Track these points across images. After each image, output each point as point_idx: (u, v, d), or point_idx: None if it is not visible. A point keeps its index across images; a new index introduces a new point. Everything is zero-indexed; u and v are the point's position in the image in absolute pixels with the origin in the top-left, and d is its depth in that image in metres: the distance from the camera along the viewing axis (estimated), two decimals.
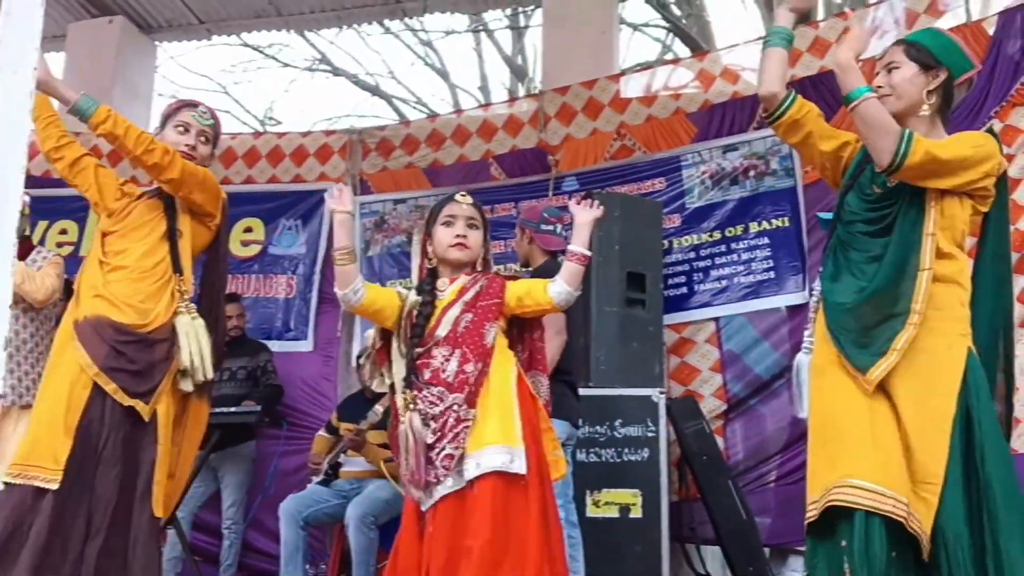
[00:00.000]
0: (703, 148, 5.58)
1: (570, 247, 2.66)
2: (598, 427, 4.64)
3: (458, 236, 2.63)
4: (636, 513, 4.50)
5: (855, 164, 2.52)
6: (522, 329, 2.73)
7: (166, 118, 3.23)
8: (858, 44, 2.42)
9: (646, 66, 6.49)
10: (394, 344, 2.63)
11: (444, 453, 2.45)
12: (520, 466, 2.43)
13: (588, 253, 2.64)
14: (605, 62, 6.17)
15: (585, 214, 2.68)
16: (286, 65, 14.71)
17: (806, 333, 2.49)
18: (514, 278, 2.75)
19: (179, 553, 5.18)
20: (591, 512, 4.51)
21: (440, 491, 2.45)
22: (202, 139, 3.21)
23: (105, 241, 3.10)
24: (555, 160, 5.84)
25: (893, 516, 2.11)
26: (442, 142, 6.15)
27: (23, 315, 3.96)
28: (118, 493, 2.82)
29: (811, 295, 2.54)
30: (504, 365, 2.59)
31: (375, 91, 14.97)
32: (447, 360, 2.53)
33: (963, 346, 2.27)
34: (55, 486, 2.72)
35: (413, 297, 2.65)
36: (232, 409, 5.08)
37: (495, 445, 2.44)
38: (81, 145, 3.24)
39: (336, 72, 15.08)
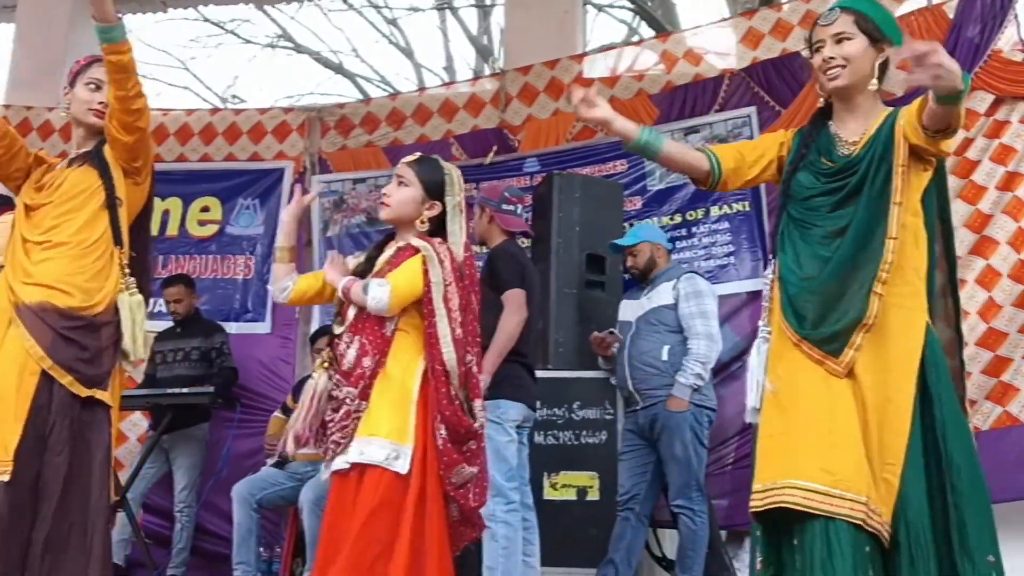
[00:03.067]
0: (665, 130, 5.50)
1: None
2: (556, 409, 4.62)
3: (384, 194, 2.65)
4: (593, 495, 4.49)
5: (794, 149, 2.46)
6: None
7: (75, 75, 2.92)
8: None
9: (610, 47, 6.39)
10: None
11: (332, 438, 2.49)
12: (403, 465, 2.41)
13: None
14: (568, 42, 6.12)
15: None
16: (247, 41, 14.52)
17: (761, 322, 2.43)
18: (416, 249, 2.64)
19: (129, 535, 5.10)
20: (548, 495, 4.49)
21: (333, 465, 2.48)
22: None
23: (31, 216, 2.82)
24: (517, 141, 5.79)
25: (850, 520, 2.09)
26: (403, 121, 6.06)
27: None
28: (65, 480, 2.70)
29: (766, 281, 2.45)
30: (406, 356, 2.53)
31: (338, 69, 14.79)
32: (348, 347, 2.52)
33: (921, 321, 2.24)
34: (7, 478, 2.56)
35: (353, 261, 2.72)
36: (184, 390, 4.99)
37: (382, 438, 2.43)
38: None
39: (299, 49, 14.88)
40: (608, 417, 4.58)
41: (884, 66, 2.35)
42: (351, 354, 2.48)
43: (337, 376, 2.52)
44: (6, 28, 7.25)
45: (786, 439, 2.21)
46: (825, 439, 2.16)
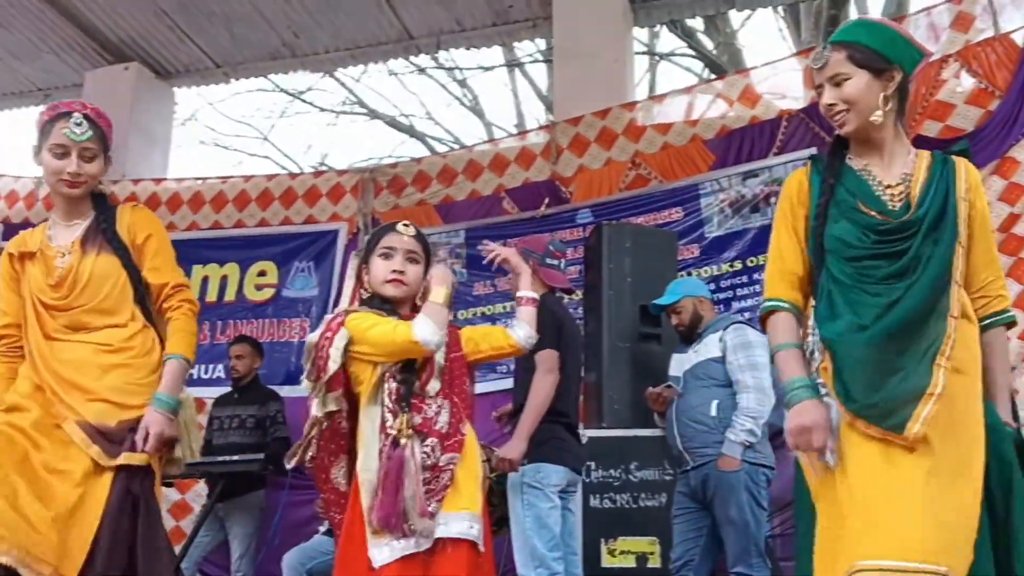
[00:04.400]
0: (722, 176, 5.37)
1: (522, 293, 2.58)
2: (612, 470, 4.37)
3: (395, 272, 2.39)
4: (655, 563, 4.21)
5: (815, 186, 2.18)
6: None
7: (40, 134, 2.58)
8: None
9: (662, 95, 6.26)
10: (371, 375, 2.30)
11: (428, 511, 2.21)
12: (481, 536, 2.24)
13: (536, 296, 2.60)
14: (619, 91, 6.00)
15: (512, 256, 2.67)
16: (321, 109, 14.84)
17: (819, 381, 2.12)
18: (458, 327, 2.56)
19: None
20: (606, 562, 4.23)
21: (399, 548, 2.19)
22: (86, 156, 2.54)
23: (55, 316, 2.55)
24: (569, 192, 5.66)
25: None
26: (454, 177, 6.01)
27: None
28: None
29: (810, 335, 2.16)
30: (469, 426, 2.40)
31: (410, 132, 14.99)
32: (439, 411, 2.30)
33: (978, 385, 2.02)
34: None
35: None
36: (235, 458, 4.93)
37: (466, 511, 2.24)
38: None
39: (372, 114, 15.14)
40: (668, 478, 4.32)
41: (902, 91, 2.12)
42: (443, 418, 2.30)
43: (427, 442, 2.26)
44: None
45: (857, 520, 1.94)
46: (891, 511, 1.90)
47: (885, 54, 2.08)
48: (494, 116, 17.34)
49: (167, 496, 5.76)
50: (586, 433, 4.37)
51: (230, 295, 6.26)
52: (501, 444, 4.32)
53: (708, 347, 4.05)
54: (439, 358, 2.33)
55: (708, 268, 5.22)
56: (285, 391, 5.67)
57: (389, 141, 27.92)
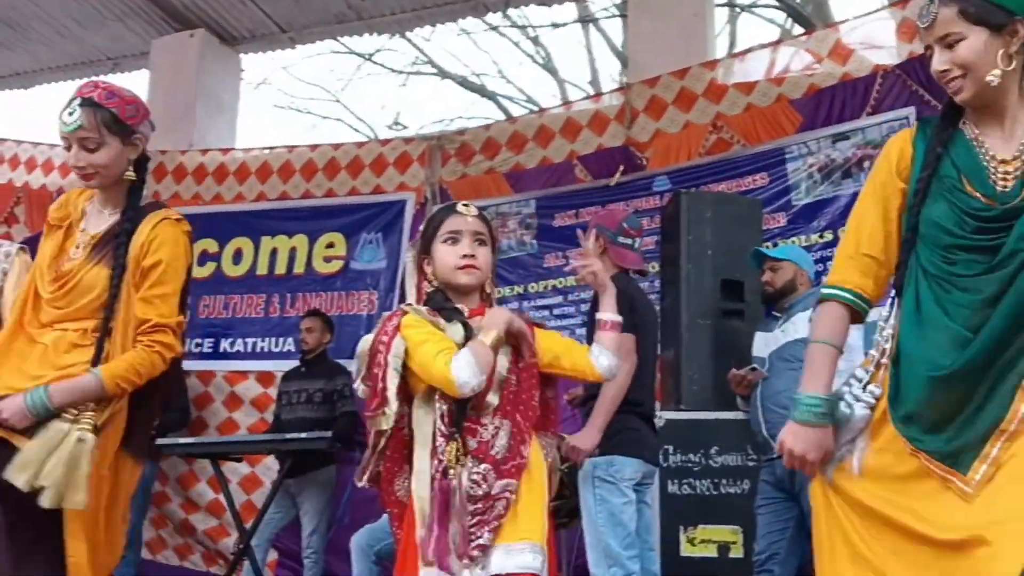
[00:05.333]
0: (810, 138, 5.02)
1: (604, 316, 2.29)
2: (691, 455, 4.16)
3: (466, 256, 2.15)
4: (737, 552, 4.00)
5: (919, 157, 1.86)
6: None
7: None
8: None
9: (744, 51, 5.89)
10: (424, 385, 2.08)
11: (478, 542, 1.99)
12: (544, 567, 2.01)
13: (620, 320, 2.32)
14: (698, 48, 5.65)
15: (600, 272, 2.36)
16: (392, 71, 14.69)
17: (858, 379, 1.85)
18: (540, 325, 2.29)
19: None
20: (686, 551, 4.04)
21: None
22: (87, 146, 2.32)
23: (40, 308, 2.37)
24: (645, 158, 5.37)
25: None
26: (524, 144, 5.77)
27: None
28: None
29: (883, 327, 1.86)
30: (536, 441, 2.16)
31: (481, 91, 14.75)
32: (497, 433, 2.06)
33: None
34: None
35: (455, 338, 2.10)
36: (302, 435, 4.85)
37: (528, 541, 2.02)
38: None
39: (443, 74, 14.94)
40: (751, 464, 4.09)
41: None
42: (502, 441, 2.06)
43: (477, 471, 2.02)
44: (141, 75, 7.46)
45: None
46: None
47: (1005, 5, 1.75)
48: (567, 73, 16.89)
49: (237, 470, 5.75)
50: (663, 415, 4.16)
51: (299, 267, 6.16)
52: (572, 429, 4.15)
53: (796, 326, 3.76)
54: (501, 367, 2.09)
55: (796, 238, 4.90)
56: (353, 365, 5.57)
57: (460, 101, 27.66)
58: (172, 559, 6.01)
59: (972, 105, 1.83)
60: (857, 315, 1.92)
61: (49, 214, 2.50)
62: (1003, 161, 1.78)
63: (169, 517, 5.98)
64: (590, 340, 2.37)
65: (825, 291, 1.94)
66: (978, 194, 1.76)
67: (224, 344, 6.15)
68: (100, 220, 2.45)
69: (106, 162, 2.34)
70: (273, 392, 5.70)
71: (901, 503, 1.69)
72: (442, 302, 2.15)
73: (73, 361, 2.27)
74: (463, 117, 14.80)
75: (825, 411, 1.83)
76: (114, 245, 2.36)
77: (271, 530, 5.21)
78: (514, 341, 2.13)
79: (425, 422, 2.07)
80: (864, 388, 1.83)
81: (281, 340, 6.04)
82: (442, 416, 2.04)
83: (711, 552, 4.05)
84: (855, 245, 1.92)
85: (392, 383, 2.04)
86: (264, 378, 5.98)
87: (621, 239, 3.56)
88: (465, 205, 2.23)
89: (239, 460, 5.56)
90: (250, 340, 6.13)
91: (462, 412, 2.04)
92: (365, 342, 2.14)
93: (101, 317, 2.31)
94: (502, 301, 5.66)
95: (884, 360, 1.82)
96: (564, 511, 4.39)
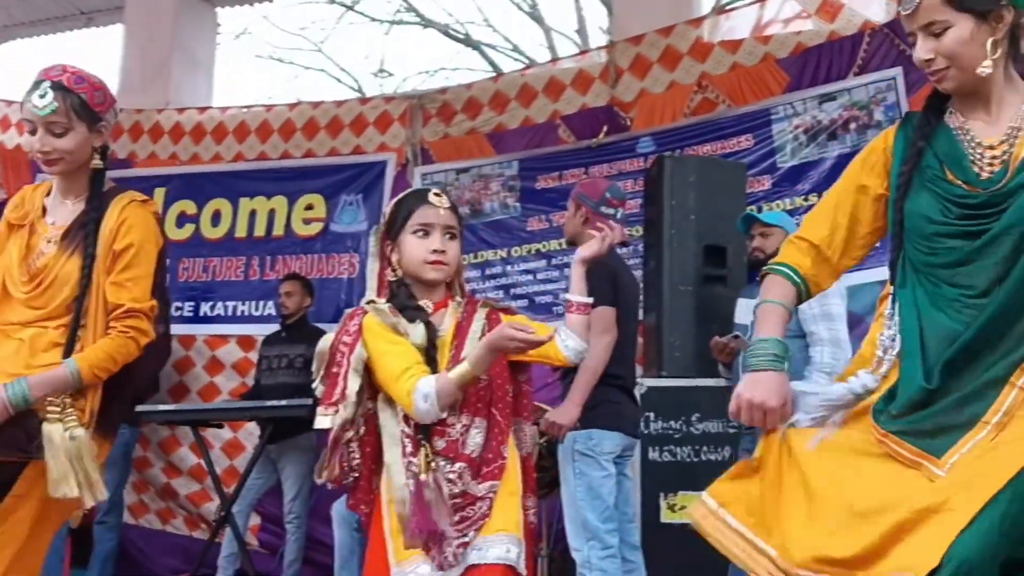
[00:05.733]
0: (796, 99, 4.94)
1: (572, 297, 2.18)
2: (672, 422, 4.14)
3: (436, 252, 2.09)
4: None
5: (900, 151, 1.79)
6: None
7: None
8: None
9: (730, 7, 5.77)
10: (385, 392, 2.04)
11: (461, 541, 1.95)
12: (520, 559, 1.98)
13: (590, 301, 2.18)
14: (684, 6, 5.53)
15: (588, 249, 2.21)
16: (373, 19, 14.44)
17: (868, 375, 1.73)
18: (506, 310, 2.22)
19: (236, 549, 4.99)
20: (665, 517, 4.04)
21: (426, 574, 1.95)
22: (54, 131, 2.27)
23: (11, 304, 2.31)
24: (629, 119, 5.28)
25: None
26: (506, 104, 5.66)
27: None
28: None
29: (887, 327, 1.74)
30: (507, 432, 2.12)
31: (466, 41, 14.53)
32: (467, 430, 2.01)
33: None
34: None
35: (416, 339, 2.04)
36: (282, 403, 4.81)
37: (504, 533, 1.98)
38: None
39: (427, 23, 14.69)
40: (732, 431, 4.08)
41: (1014, 29, 1.70)
42: (475, 439, 2.01)
43: (452, 471, 1.98)
44: (115, 29, 7.27)
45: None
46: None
47: None
48: (555, 21, 16.63)
49: (219, 435, 5.73)
50: (644, 382, 4.14)
51: (278, 229, 6.07)
52: (551, 395, 4.12)
53: None
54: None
55: (780, 202, 4.84)
56: (334, 330, 5.51)
57: (445, 51, 27.26)
58: (154, 523, 6.00)
59: (957, 93, 1.76)
60: (796, 289, 1.86)
61: (6, 214, 2.43)
62: (989, 147, 1.71)
63: (151, 482, 5.96)
64: None
65: (768, 267, 1.91)
66: (959, 181, 1.70)
67: (204, 308, 6.08)
68: (64, 211, 2.39)
69: (72, 148, 2.29)
70: (254, 356, 5.65)
71: (838, 475, 1.62)
72: (405, 300, 2.08)
73: (53, 360, 2.24)
74: (447, 68, 14.63)
75: (778, 353, 1.77)
76: (83, 234, 2.30)
77: (253, 495, 5.20)
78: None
79: (390, 424, 2.02)
80: (858, 375, 1.74)
81: (261, 303, 5.98)
82: (405, 418, 2.00)
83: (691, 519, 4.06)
84: (800, 230, 1.91)
85: (353, 384, 1.99)
86: (245, 342, 5.92)
87: (604, 209, 3.50)
88: (437, 195, 2.16)
89: (220, 427, 5.53)
90: (230, 303, 6.06)
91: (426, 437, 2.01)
92: (325, 341, 2.08)
93: (72, 300, 2.27)
94: (486, 264, 5.60)
95: (888, 357, 1.73)
96: (545, 481, 4.40)
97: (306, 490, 5.20)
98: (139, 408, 4.88)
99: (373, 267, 2.19)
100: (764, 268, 1.92)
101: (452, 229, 2.13)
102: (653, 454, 4.08)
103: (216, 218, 6.18)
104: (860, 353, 1.81)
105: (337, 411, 2.01)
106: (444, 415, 1.98)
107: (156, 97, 6.55)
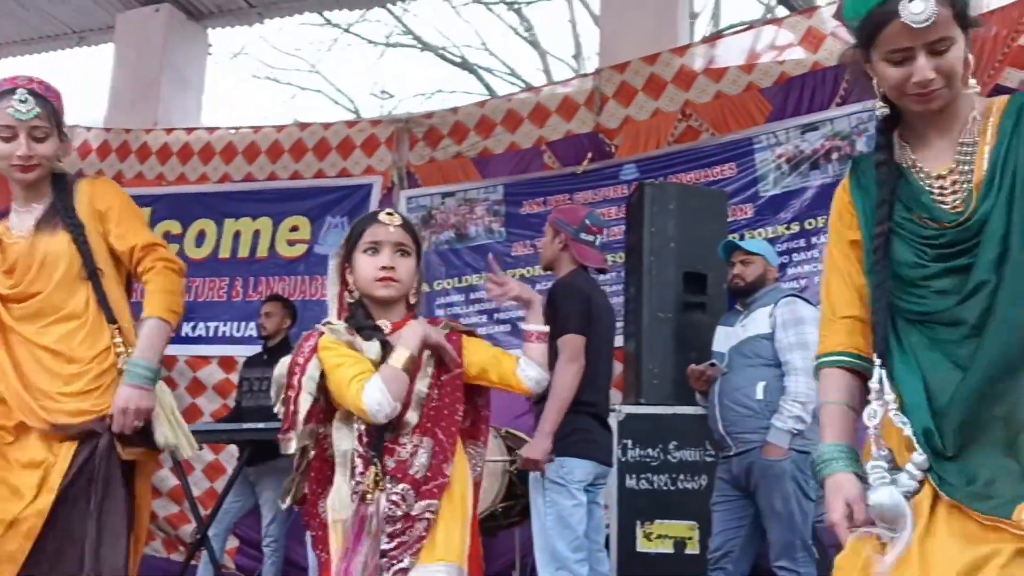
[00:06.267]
0: (779, 128, 4.96)
1: (530, 327, 2.17)
2: (650, 450, 4.13)
3: (385, 268, 2.07)
4: (693, 548, 3.99)
5: (863, 212, 1.68)
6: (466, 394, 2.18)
7: None
8: None
9: (714, 36, 5.80)
10: (341, 412, 2.02)
11: (398, 567, 1.93)
12: None
13: (546, 330, 2.19)
14: (669, 33, 5.56)
15: (521, 291, 2.22)
16: (370, 42, 14.55)
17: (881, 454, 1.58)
18: (469, 332, 2.20)
19: (212, 573, 4.94)
20: (642, 546, 4.02)
21: None
22: (36, 136, 2.32)
23: (9, 308, 2.37)
24: (614, 146, 5.30)
25: None
26: (492, 129, 5.68)
27: None
28: None
29: (876, 399, 1.59)
30: (461, 454, 2.10)
31: (462, 65, 14.61)
32: (416, 451, 2.00)
33: None
34: None
35: (371, 356, 2.03)
36: (260, 425, 4.76)
37: (444, 563, 1.96)
38: None
39: (424, 47, 14.78)
40: (709, 459, 4.07)
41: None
42: (421, 459, 1.99)
43: (395, 492, 1.95)
44: (106, 48, 7.30)
45: None
46: None
47: (969, 3, 1.57)
48: (551, 46, 16.70)
49: (201, 457, 5.69)
50: (622, 409, 4.13)
51: (262, 251, 6.07)
52: (524, 420, 4.09)
53: (756, 322, 3.71)
54: (421, 385, 2.02)
55: (762, 230, 4.85)
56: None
57: (441, 73, 27.34)
58: None
59: (936, 113, 1.61)
60: (860, 374, 1.70)
61: None
62: (940, 176, 1.62)
63: None
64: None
65: (817, 363, 1.76)
66: (922, 218, 1.61)
67: (186, 328, 6.06)
68: (29, 215, 2.44)
69: (50, 154, 2.39)
70: (235, 378, 5.63)
71: None
72: (362, 320, 2.07)
73: (103, 346, 2.36)
74: (444, 91, 14.69)
75: (850, 456, 1.64)
76: (62, 211, 2.39)
77: (230, 518, 5.15)
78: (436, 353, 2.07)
79: (344, 443, 2.00)
80: (890, 466, 1.55)
81: (244, 324, 5.96)
82: (360, 437, 1.98)
83: (667, 548, 4.03)
84: (831, 312, 1.75)
85: (304, 406, 1.97)
86: (226, 363, 5.90)
87: (583, 236, 3.49)
88: (389, 214, 2.14)
89: (199, 448, 5.48)
90: (212, 324, 6.05)
91: (380, 434, 1.98)
92: (282, 365, 2.07)
93: (83, 278, 2.37)
94: (470, 288, 5.59)
95: (877, 433, 1.59)
96: (517, 509, 4.37)
97: (284, 513, 5.16)
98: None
99: (333, 291, 2.17)
100: (817, 363, 1.76)
101: (403, 246, 2.11)
102: (630, 482, 4.07)
103: (200, 238, 6.18)
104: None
105: (291, 436, 1.99)
106: (398, 407, 1.96)
107: (145, 116, 6.57)
